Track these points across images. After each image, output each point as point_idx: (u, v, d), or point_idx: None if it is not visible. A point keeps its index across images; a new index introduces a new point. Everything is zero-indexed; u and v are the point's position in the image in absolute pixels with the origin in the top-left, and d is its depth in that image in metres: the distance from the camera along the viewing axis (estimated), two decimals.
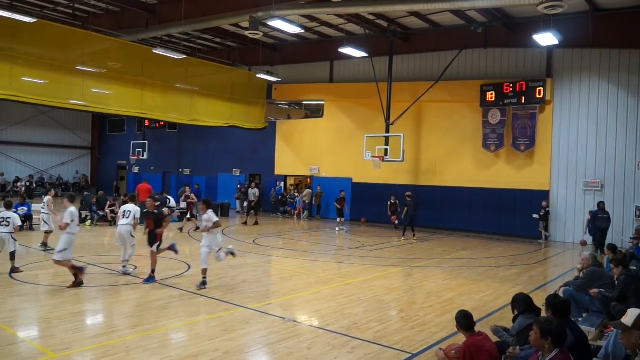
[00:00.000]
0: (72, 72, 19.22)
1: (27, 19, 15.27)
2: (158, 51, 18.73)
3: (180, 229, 17.67)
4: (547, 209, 18.30)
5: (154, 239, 9.73)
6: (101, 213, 18.85)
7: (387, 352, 6.23)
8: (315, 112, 26.78)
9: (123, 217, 10.32)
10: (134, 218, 10.23)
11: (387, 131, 20.21)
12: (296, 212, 24.73)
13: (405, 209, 17.50)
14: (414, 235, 17.33)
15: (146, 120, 30.15)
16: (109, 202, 19.31)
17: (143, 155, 28.63)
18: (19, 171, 34.20)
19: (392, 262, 12.90)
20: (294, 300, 8.73)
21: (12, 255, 9.76)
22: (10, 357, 5.61)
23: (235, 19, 18.49)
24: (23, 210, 16.52)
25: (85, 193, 20.78)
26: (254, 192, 20.82)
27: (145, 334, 6.59)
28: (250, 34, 16.95)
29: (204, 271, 9.18)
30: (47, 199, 13.18)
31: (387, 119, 20.31)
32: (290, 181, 28.22)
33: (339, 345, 6.38)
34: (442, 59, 20.92)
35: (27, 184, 32.07)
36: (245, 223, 20.56)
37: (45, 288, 8.91)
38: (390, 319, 7.85)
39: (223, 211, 23.99)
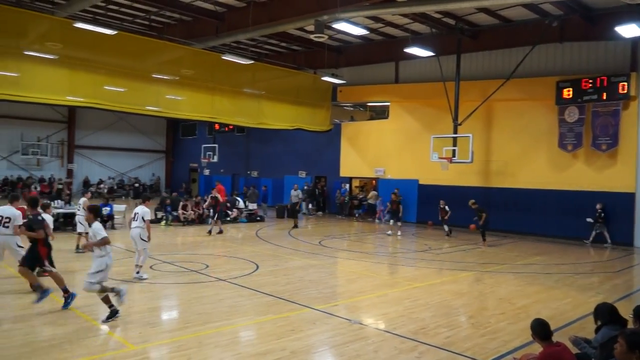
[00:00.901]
0: (148, 80, 20.33)
1: (108, 31, 16.34)
2: (227, 57, 19.38)
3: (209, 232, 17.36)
4: (601, 211, 17.29)
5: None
6: (175, 213, 19.76)
7: (456, 358, 6.05)
8: (381, 113, 26.59)
9: (133, 220, 9.86)
10: (143, 220, 9.76)
11: (455, 132, 19.67)
12: (377, 215, 23.65)
13: (484, 215, 16.59)
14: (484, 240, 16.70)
15: (216, 124, 31.28)
16: (181, 203, 20.21)
17: (213, 158, 29.70)
18: (101, 173, 36.64)
19: (460, 267, 12.52)
20: (359, 303, 8.69)
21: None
22: (93, 348, 6.00)
23: (301, 23, 18.74)
24: (106, 210, 17.67)
25: (164, 194, 21.82)
26: (296, 194, 20.19)
27: (216, 330, 6.81)
28: (315, 37, 17.12)
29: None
30: (82, 200, 12.94)
31: (455, 119, 19.77)
32: (356, 183, 28.20)
33: (406, 350, 6.27)
34: (513, 56, 20.06)
35: (110, 185, 34.31)
36: (296, 226, 19.89)
37: (126, 284, 9.43)
38: (460, 324, 7.62)
39: (290, 212, 24.38)
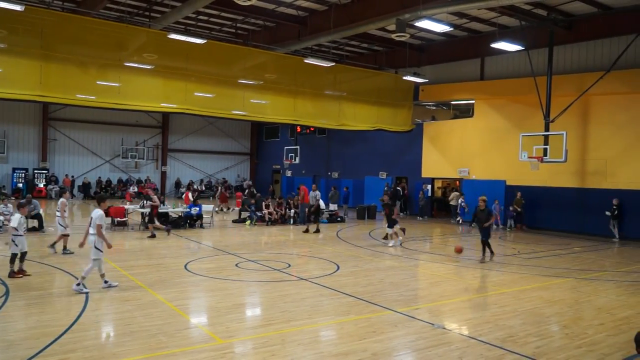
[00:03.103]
0: (235, 86, 21.23)
1: (198, 41, 17.28)
2: (309, 60, 19.73)
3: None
4: (615, 207, 16.75)
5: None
6: (259, 214, 20.42)
7: None
8: (465, 111, 25.71)
9: (89, 226, 8.70)
10: (96, 225, 8.48)
11: (547, 129, 18.52)
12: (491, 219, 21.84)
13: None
14: None
15: (298, 127, 31.97)
16: (264, 203, 20.87)
17: (295, 160, 30.35)
18: (191, 175, 38.83)
19: (553, 272, 11.75)
20: (442, 307, 8.45)
21: (13, 258, 9.31)
22: (184, 340, 6.36)
23: (382, 23, 18.62)
24: (195, 210, 18.68)
25: (258, 194, 22.56)
26: (314, 195, 18.74)
27: (299, 328, 6.94)
28: (397, 36, 16.92)
29: None
30: (60, 201, 12.24)
31: (547, 115, 18.61)
32: (438, 184, 27.50)
33: (493, 358, 6.00)
34: (613, 46, 18.53)
35: (200, 186, 36.25)
36: (306, 231, 18.10)
37: (214, 280, 9.91)
38: (552, 334, 7.15)
39: (370, 213, 24.32)
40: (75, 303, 7.77)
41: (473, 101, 24.01)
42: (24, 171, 31.31)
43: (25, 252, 9.54)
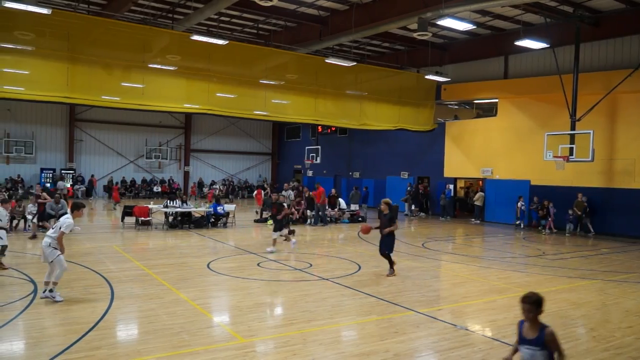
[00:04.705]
0: (256, 86, 21.36)
1: (220, 42, 17.43)
2: (330, 60, 19.72)
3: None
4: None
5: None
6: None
7: None
8: (488, 110, 25.37)
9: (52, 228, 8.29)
10: (59, 229, 7.91)
11: (573, 128, 18.14)
12: (547, 224, 19.68)
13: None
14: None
15: (319, 127, 31.99)
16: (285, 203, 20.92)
17: (316, 160, 30.37)
18: (213, 175, 39.22)
19: (579, 274, 11.50)
20: (465, 308, 8.34)
21: (2, 249, 9.89)
22: (207, 339, 6.41)
23: (404, 22, 18.49)
24: (221, 209, 18.84)
25: (282, 194, 22.54)
26: (287, 195, 17.74)
27: (320, 328, 6.93)
28: (419, 35, 16.79)
29: None
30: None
31: (573, 114, 18.23)
32: (460, 184, 27.19)
33: None
34: None
35: (222, 186, 36.58)
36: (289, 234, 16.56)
37: (236, 279, 9.98)
38: (578, 337, 7.00)
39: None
40: (101, 301, 7.91)
41: (497, 100, 23.67)
42: (52, 171, 32.09)
43: (6, 246, 10.07)
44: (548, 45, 18.50)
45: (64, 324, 6.81)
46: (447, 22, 16.30)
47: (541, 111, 21.29)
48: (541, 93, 21.06)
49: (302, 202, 20.88)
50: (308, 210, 20.63)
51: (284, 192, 18.02)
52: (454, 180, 26.01)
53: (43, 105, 30.04)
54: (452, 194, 25.55)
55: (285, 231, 13.67)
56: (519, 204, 21.35)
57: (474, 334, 6.92)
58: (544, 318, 7.14)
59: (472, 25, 18.22)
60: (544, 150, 18.46)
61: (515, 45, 18.60)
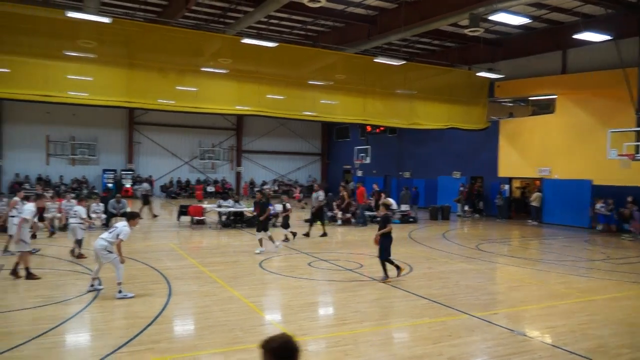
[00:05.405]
0: (305, 87, 21.50)
1: (270, 44, 17.68)
2: (379, 60, 19.56)
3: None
4: None
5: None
6: (330, 214, 20.52)
7: None
8: (545, 107, 24.34)
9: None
10: (117, 237, 8.11)
11: (639, 125, 17.12)
12: (634, 226, 18.05)
13: None
14: None
15: (368, 126, 31.81)
16: (335, 203, 20.92)
17: (366, 160, 30.23)
18: (264, 175, 39.87)
19: None
20: (523, 313, 8.04)
21: (80, 242, 11.41)
22: (260, 336, 6.44)
23: (454, 19, 18.07)
24: (270, 209, 19.07)
25: (329, 194, 22.63)
26: (316, 197, 17.55)
27: (372, 329, 6.89)
28: (470, 31, 16.38)
29: None
30: (14, 199, 12.05)
31: (638, 110, 17.21)
32: (516, 184, 26.28)
33: None
34: None
35: (274, 187, 37.13)
36: (307, 234, 16.40)
37: (287, 278, 10.08)
38: None
39: (443, 214, 23.69)
40: (159, 296, 8.21)
41: (554, 96, 22.68)
42: (113, 172, 33.65)
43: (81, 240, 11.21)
44: (610, 38, 17.56)
45: (126, 318, 7.12)
46: (501, 17, 15.76)
47: (603, 107, 20.22)
48: (603, 88, 19.99)
49: (352, 202, 20.85)
50: (340, 212, 20.51)
51: (314, 194, 18.07)
52: (509, 180, 25.16)
53: (104, 110, 31.45)
54: (507, 194, 24.73)
55: (269, 233, 13.10)
56: (598, 206, 19.55)
57: (533, 340, 6.66)
58: (608, 325, 6.71)
59: (527, 19, 17.54)
60: (607, 149, 17.51)
61: (574, 38, 17.77)
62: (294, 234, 15.32)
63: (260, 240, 13.01)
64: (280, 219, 16.80)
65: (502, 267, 12.32)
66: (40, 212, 13.93)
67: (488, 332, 6.90)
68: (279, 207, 19.99)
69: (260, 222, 13.14)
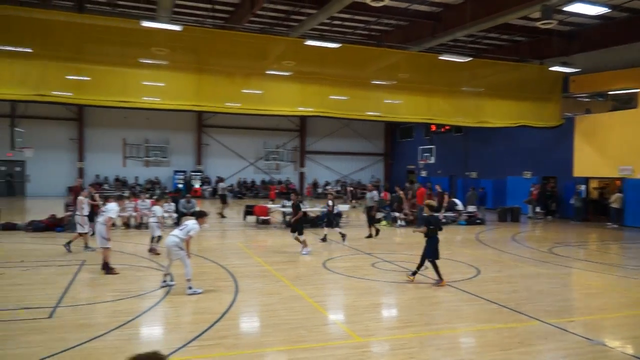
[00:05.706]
0: (368, 87, 21.38)
1: (333, 45, 17.76)
2: (444, 57, 19.10)
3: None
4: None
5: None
6: (394, 214, 20.30)
7: None
8: (626, 102, 22.70)
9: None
10: (187, 233, 8.51)
11: None
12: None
13: None
14: None
15: (432, 126, 31.13)
16: (396, 204, 20.67)
17: (430, 159, 29.64)
18: (327, 176, 40.12)
19: None
20: (601, 321, 7.55)
21: (158, 239, 12.17)
22: (324, 336, 6.55)
23: (525, 11, 17.28)
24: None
25: (393, 194, 22.37)
26: (370, 197, 17.03)
27: (437, 333, 6.74)
28: (542, 24, 15.60)
29: None
30: (79, 198, 12.63)
31: None
32: (593, 184, 24.72)
33: None
34: None
35: (340, 187, 37.28)
36: (370, 236, 16.26)
37: (351, 279, 10.08)
38: None
39: (513, 216, 22.72)
40: (227, 293, 8.48)
41: (636, 90, 21.13)
42: (183, 173, 35.22)
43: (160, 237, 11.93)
44: None
45: (196, 313, 7.42)
46: (576, 7, 14.86)
47: None
48: None
49: (413, 203, 20.49)
50: (396, 212, 20.10)
51: (368, 194, 17.82)
52: (586, 180, 23.72)
53: (175, 113, 32.95)
54: (584, 195, 23.32)
55: (303, 237, 12.85)
56: None
57: (613, 350, 6.24)
58: None
59: (605, 9, 16.41)
60: None
61: None
62: (343, 236, 14.99)
63: (305, 241, 12.84)
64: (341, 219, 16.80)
65: (579, 272, 11.64)
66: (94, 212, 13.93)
67: (562, 340, 6.53)
68: (343, 207, 20.08)
69: (293, 223, 13.15)
